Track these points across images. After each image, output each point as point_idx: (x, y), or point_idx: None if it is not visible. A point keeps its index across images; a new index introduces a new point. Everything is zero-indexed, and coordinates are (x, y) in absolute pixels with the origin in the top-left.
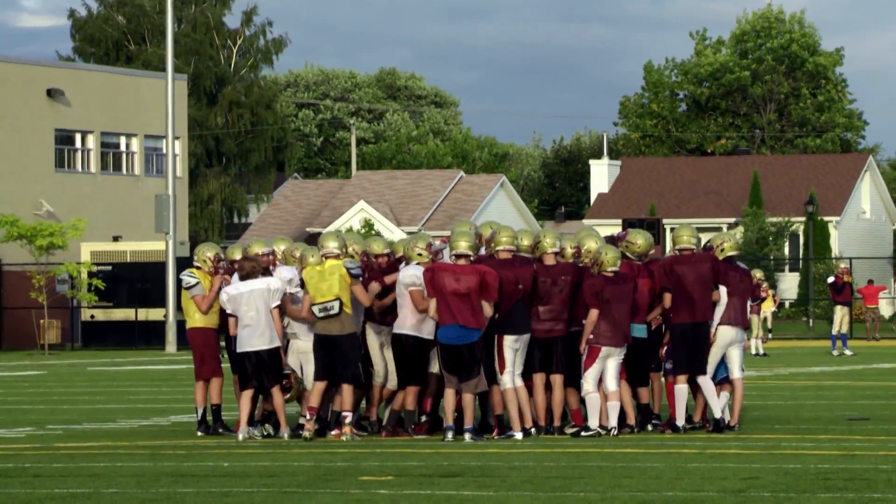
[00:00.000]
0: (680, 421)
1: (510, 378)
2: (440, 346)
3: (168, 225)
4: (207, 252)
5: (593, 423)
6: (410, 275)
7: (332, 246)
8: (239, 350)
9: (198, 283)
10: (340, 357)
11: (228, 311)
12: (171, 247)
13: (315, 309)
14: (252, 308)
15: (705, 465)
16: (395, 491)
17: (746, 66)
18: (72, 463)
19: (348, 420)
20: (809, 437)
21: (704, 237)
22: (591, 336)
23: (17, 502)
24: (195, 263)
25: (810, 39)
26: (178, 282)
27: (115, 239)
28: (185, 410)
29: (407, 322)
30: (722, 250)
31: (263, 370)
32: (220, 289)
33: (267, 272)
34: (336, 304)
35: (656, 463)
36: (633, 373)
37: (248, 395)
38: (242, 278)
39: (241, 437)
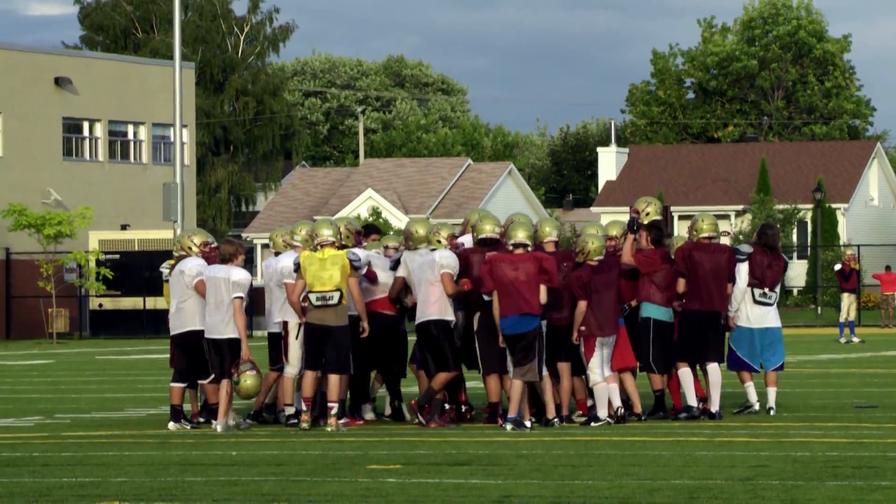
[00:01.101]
0: (692, 401)
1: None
2: (503, 337)
3: (176, 213)
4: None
5: (602, 413)
6: (447, 255)
7: (326, 234)
8: (206, 335)
9: None
10: (332, 346)
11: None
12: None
13: (312, 297)
14: (213, 295)
15: (713, 454)
16: (404, 479)
17: (754, 54)
18: (80, 452)
19: (334, 411)
20: (818, 425)
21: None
22: (583, 327)
23: (25, 491)
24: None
25: (818, 26)
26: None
27: (123, 227)
28: None
29: (435, 308)
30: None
31: (221, 359)
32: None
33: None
34: (336, 295)
35: (664, 451)
36: (661, 357)
37: (220, 385)
38: (221, 262)
39: (219, 428)
